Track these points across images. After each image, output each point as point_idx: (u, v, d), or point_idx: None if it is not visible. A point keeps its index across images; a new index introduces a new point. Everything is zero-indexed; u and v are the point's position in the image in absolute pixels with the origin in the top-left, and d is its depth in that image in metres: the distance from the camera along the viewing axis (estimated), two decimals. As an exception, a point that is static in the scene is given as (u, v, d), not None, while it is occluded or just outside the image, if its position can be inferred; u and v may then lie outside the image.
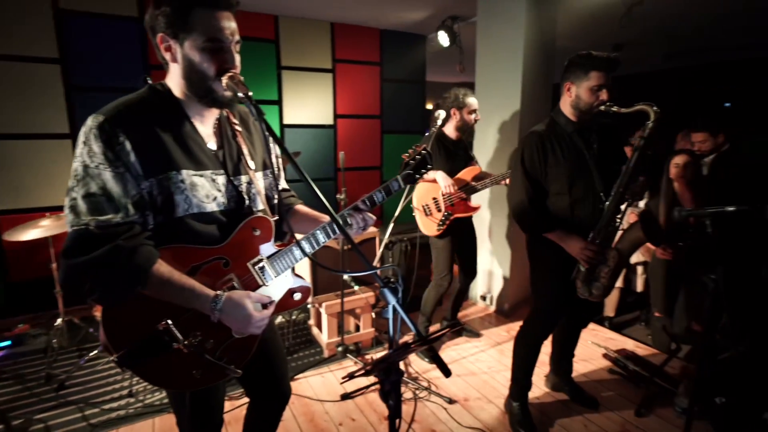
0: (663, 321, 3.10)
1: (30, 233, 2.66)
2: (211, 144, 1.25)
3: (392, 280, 1.07)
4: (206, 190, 1.19)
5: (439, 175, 2.76)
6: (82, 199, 1.03)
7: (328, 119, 4.92)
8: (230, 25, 1.14)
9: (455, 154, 2.87)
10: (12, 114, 3.42)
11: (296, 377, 2.69)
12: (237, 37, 1.16)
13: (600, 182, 1.95)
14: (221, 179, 1.23)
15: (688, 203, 2.60)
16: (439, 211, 2.83)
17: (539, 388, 2.57)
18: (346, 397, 2.50)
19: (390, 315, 1.07)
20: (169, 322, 1.10)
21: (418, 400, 2.49)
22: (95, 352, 2.84)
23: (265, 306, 1.23)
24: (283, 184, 1.50)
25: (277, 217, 1.36)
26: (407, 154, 1.49)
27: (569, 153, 1.97)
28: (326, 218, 1.45)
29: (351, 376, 1.07)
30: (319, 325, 3.12)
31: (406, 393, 2.52)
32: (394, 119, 5.36)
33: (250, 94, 1.06)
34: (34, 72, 3.45)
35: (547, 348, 2.48)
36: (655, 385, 2.46)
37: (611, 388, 2.58)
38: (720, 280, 1.55)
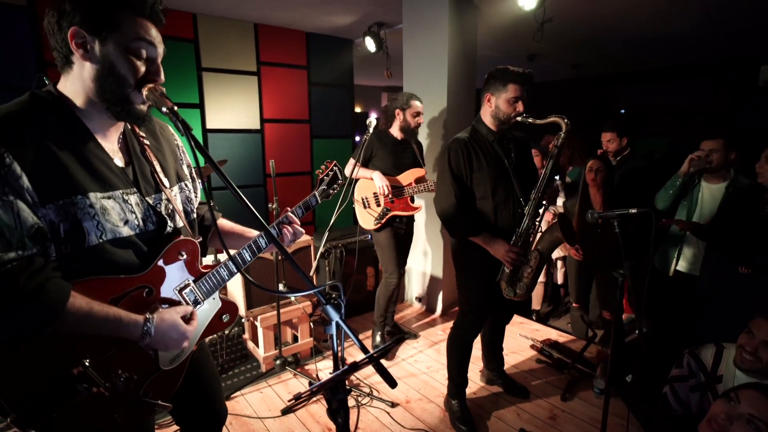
0: (579, 311, 3.40)
1: None
2: (118, 160, 1.11)
3: (334, 295, 1.07)
4: (117, 212, 1.05)
5: (376, 175, 2.85)
6: None
7: (255, 124, 4.76)
8: (158, 36, 1.05)
9: (401, 152, 2.97)
10: None
11: (232, 396, 2.57)
12: (161, 51, 1.07)
13: (519, 188, 2.09)
14: (134, 199, 1.10)
15: (598, 205, 2.87)
16: (378, 205, 2.92)
17: (475, 383, 2.69)
18: (287, 411, 2.44)
19: (333, 331, 1.07)
20: (87, 363, 0.96)
21: (360, 407, 2.49)
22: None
23: (188, 319, 1.15)
24: (199, 197, 1.40)
25: (201, 238, 1.28)
26: (320, 170, 1.55)
27: (491, 160, 2.09)
28: (252, 232, 1.41)
29: (297, 397, 1.05)
30: (254, 339, 3.00)
31: (349, 401, 2.51)
32: (323, 123, 5.32)
33: (175, 108, 0.98)
34: None
35: (479, 345, 2.62)
36: (576, 370, 2.69)
37: (539, 376, 2.78)
38: (627, 274, 1.74)
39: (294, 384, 2.72)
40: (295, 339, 3.08)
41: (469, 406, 2.37)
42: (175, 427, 1.53)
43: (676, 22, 4.60)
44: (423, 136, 3.75)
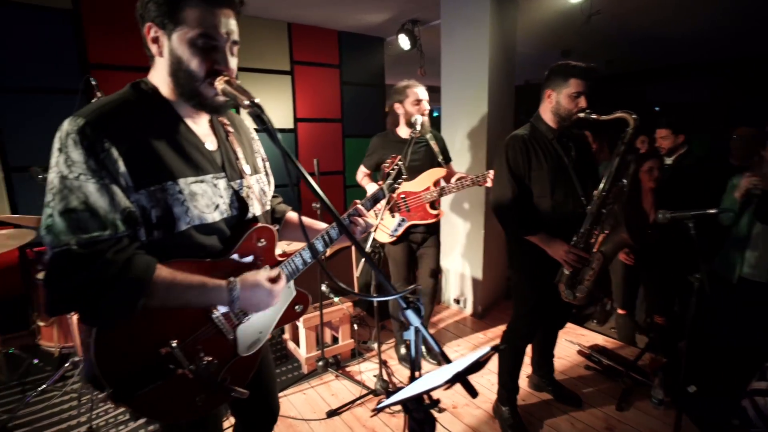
0: (626, 316, 3.27)
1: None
2: (209, 144, 1.13)
3: (412, 300, 1.02)
4: (207, 198, 1.07)
5: (370, 187, 2.59)
6: (60, 216, 0.89)
7: (289, 123, 4.76)
8: (228, 22, 1.03)
9: (412, 153, 2.54)
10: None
11: (276, 397, 2.55)
12: (235, 38, 1.05)
13: (580, 187, 2.00)
14: (222, 183, 1.12)
15: (649, 206, 2.75)
16: (393, 216, 2.63)
17: (522, 389, 2.59)
18: (332, 414, 2.40)
19: (412, 337, 1.03)
20: (174, 344, 0.99)
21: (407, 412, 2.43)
22: (44, 386, 2.53)
23: (275, 280, 1.14)
24: (272, 190, 1.40)
25: (277, 226, 1.32)
26: (386, 165, 1.53)
27: (550, 158, 2.01)
28: (319, 225, 1.42)
29: (378, 410, 1.01)
30: (295, 340, 2.98)
31: (394, 405, 2.46)
32: (355, 123, 5.29)
33: (257, 100, 0.94)
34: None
35: (528, 349, 2.52)
36: (630, 378, 2.58)
37: (590, 383, 2.67)
38: (704, 278, 1.63)
39: (336, 386, 2.68)
40: (335, 340, 3.04)
41: (520, 414, 2.29)
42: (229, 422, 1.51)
43: (726, 15, 4.41)
44: (462, 137, 3.67)
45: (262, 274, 1.11)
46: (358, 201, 1.41)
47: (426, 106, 2.59)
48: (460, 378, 0.82)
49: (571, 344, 3.12)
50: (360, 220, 1.37)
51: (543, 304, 2.11)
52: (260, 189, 1.26)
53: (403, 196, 2.60)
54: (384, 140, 2.70)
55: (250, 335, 1.18)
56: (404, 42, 4.65)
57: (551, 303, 2.10)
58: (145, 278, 0.92)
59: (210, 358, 1.06)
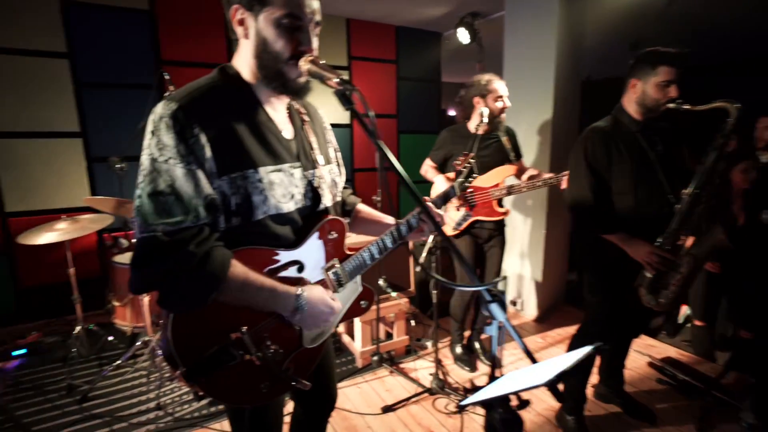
0: (704, 329, 3.01)
1: (45, 237, 2.51)
2: (286, 132, 1.13)
3: (497, 293, 0.96)
4: (284, 187, 1.07)
5: (438, 179, 2.56)
6: (148, 198, 0.92)
7: (345, 118, 4.80)
8: (312, 3, 1.02)
9: (482, 149, 2.52)
10: (17, 111, 3.26)
11: (331, 388, 2.56)
12: (318, 18, 1.05)
13: (667, 184, 1.84)
14: (297, 173, 1.12)
15: (738, 208, 2.51)
16: (458, 210, 2.58)
17: (587, 398, 2.45)
18: (387, 409, 2.38)
19: (495, 332, 0.98)
20: (244, 330, 1.00)
21: (463, 413, 2.37)
22: (118, 362, 2.70)
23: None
24: (343, 182, 1.39)
25: (348, 219, 1.31)
26: (458, 162, 1.48)
27: (634, 152, 1.87)
28: (388, 220, 1.41)
29: (463, 407, 0.96)
30: (350, 333, 2.99)
31: (450, 405, 2.41)
32: (410, 119, 5.25)
33: (345, 77, 0.94)
34: (40, 66, 3.29)
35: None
36: (712, 397, 2.36)
37: (663, 399, 2.48)
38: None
39: (391, 382, 2.66)
40: (388, 336, 3.02)
41: (586, 425, 2.16)
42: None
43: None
44: (524, 133, 3.53)
45: (328, 292, 1.13)
46: (427, 198, 1.37)
47: (507, 102, 2.52)
48: (562, 379, 0.76)
49: (640, 354, 2.92)
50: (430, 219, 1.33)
51: (619, 309, 1.97)
52: (332, 180, 1.26)
53: (470, 190, 2.53)
54: (453, 134, 2.63)
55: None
56: (463, 36, 4.53)
57: (628, 309, 1.95)
58: (220, 275, 0.93)
59: (276, 347, 1.07)
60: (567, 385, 2.16)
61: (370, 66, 4.89)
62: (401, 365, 2.83)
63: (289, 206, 1.08)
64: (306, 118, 1.22)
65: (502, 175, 2.52)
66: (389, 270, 2.81)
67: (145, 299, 2.57)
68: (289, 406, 1.55)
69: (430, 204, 1.34)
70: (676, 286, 1.81)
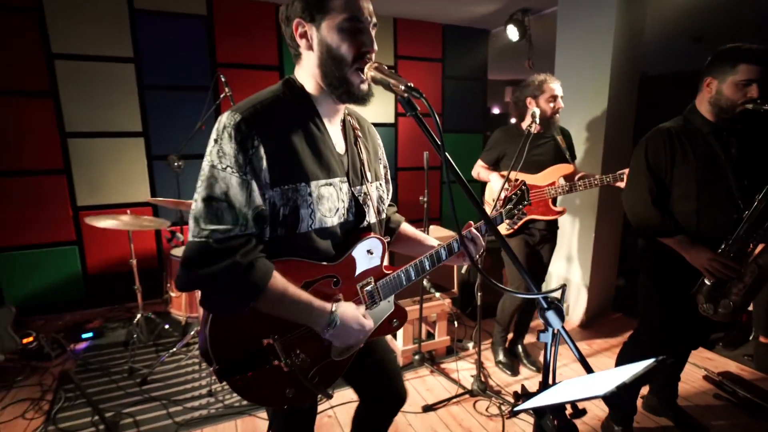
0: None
1: (108, 222, 2.69)
2: (339, 147, 1.16)
3: (553, 300, 0.95)
4: (332, 201, 1.10)
5: (493, 177, 2.57)
6: (203, 203, 0.97)
7: (390, 117, 4.83)
8: (369, 5, 1.06)
9: (537, 147, 2.48)
10: (88, 113, 3.52)
11: (372, 384, 2.61)
12: (375, 20, 1.08)
13: (737, 189, 1.74)
14: (345, 188, 1.14)
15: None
16: (508, 230, 2.55)
17: (637, 409, 2.36)
18: (428, 409, 2.39)
19: (549, 339, 0.97)
20: (276, 338, 1.06)
21: (505, 417, 2.34)
22: (174, 349, 2.88)
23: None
24: (389, 199, 1.40)
25: (388, 238, 1.32)
26: (508, 189, 1.42)
27: (701, 154, 1.77)
28: (431, 242, 1.41)
29: (515, 413, 0.96)
30: (391, 331, 3.02)
31: (491, 408, 2.39)
32: (455, 118, 5.20)
33: (411, 84, 0.93)
34: (109, 71, 3.53)
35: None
36: (777, 416, 2.21)
37: (720, 415, 2.34)
38: None
39: (432, 381, 2.67)
40: (429, 336, 3.03)
41: (635, 437, 2.08)
42: (354, 404, 1.55)
43: None
44: (575, 133, 3.42)
45: (360, 310, 1.14)
46: (472, 222, 1.36)
47: (561, 103, 2.49)
48: (622, 392, 0.74)
49: (695, 367, 2.76)
50: (474, 243, 1.32)
51: (674, 318, 1.88)
52: (378, 196, 1.28)
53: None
54: (506, 134, 2.61)
55: None
56: (513, 33, 4.44)
57: (684, 318, 1.86)
58: (261, 285, 0.97)
59: (304, 356, 1.11)
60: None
61: (415, 65, 4.89)
62: (442, 365, 2.84)
63: (333, 220, 1.11)
64: (359, 133, 1.25)
65: (557, 174, 2.49)
66: (433, 271, 2.81)
67: (199, 292, 2.72)
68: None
69: (473, 230, 1.32)
70: (738, 296, 1.71)
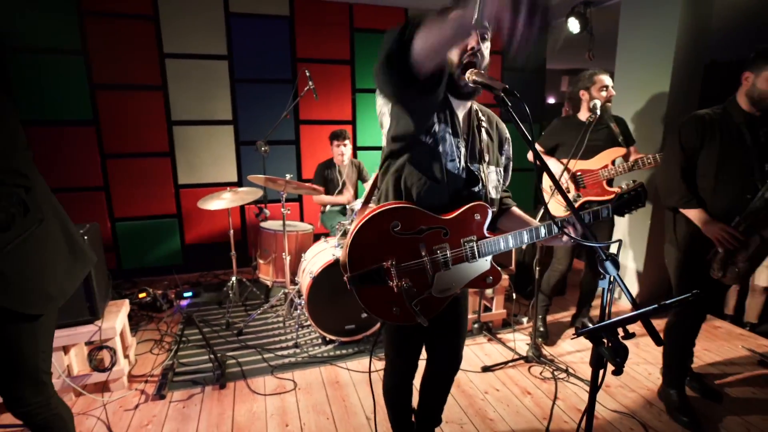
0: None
1: (216, 203, 3.17)
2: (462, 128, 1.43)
3: (610, 253, 1.20)
4: (451, 147, 1.36)
5: (551, 161, 2.80)
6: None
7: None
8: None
9: (592, 134, 2.64)
10: (189, 103, 4.06)
11: (435, 347, 2.93)
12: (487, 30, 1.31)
13: (759, 172, 1.94)
14: (463, 151, 1.39)
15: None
16: (568, 192, 2.77)
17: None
18: (486, 369, 2.68)
19: (607, 285, 1.21)
20: (394, 262, 1.33)
21: (558, 380, 2.59)
22: (264, 307, 3.34)
23: None
24: (505, 185, 1.59)
25: (495, 209, 1.50)
26: (624, 187, 1.53)
27: (728, 139, 1.98)
28: (535, 224, 1.51)
29: (579, 333, 1.20)
30: (452, 302, 3.32)
31: (545, 373, 2.64)
32: (514, 109, 5.32)
33: (507, 87, 1.12)
34: (208, 67, 4.05)
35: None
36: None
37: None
38: None
39: (489, 348, 2.95)
40: (485, 309, 3.29)
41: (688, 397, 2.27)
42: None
43: None
44: (638, 117, 3.52)
45: None
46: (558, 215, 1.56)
47: (612, 92, 2.69)
48: (660, 310, 1.00)
49: (752, 353, 2.86)
50: (574, 228, 1.39)
51: (697, 283, 2.11)
52: (496, 179, 1.49)
53: (579, 173, 2.72)
54: (565, 123, 2.84)
55: (444, 282, 1.43)
56: (574, 25, 4.53)
57: (703, 280, 2.09)
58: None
59: (411, 284, 1.35)
60: (666, 360, 2.28)
61: (476, 57, 5.07)
62: (498, 335, 3.11)
63: (450, 166, 1.36)
64: (484, 124, 1.47)
65: (610, 157, 2.69)
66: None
67: (287, 259, 3.15)
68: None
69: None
70: (743, 263, 1.95)
